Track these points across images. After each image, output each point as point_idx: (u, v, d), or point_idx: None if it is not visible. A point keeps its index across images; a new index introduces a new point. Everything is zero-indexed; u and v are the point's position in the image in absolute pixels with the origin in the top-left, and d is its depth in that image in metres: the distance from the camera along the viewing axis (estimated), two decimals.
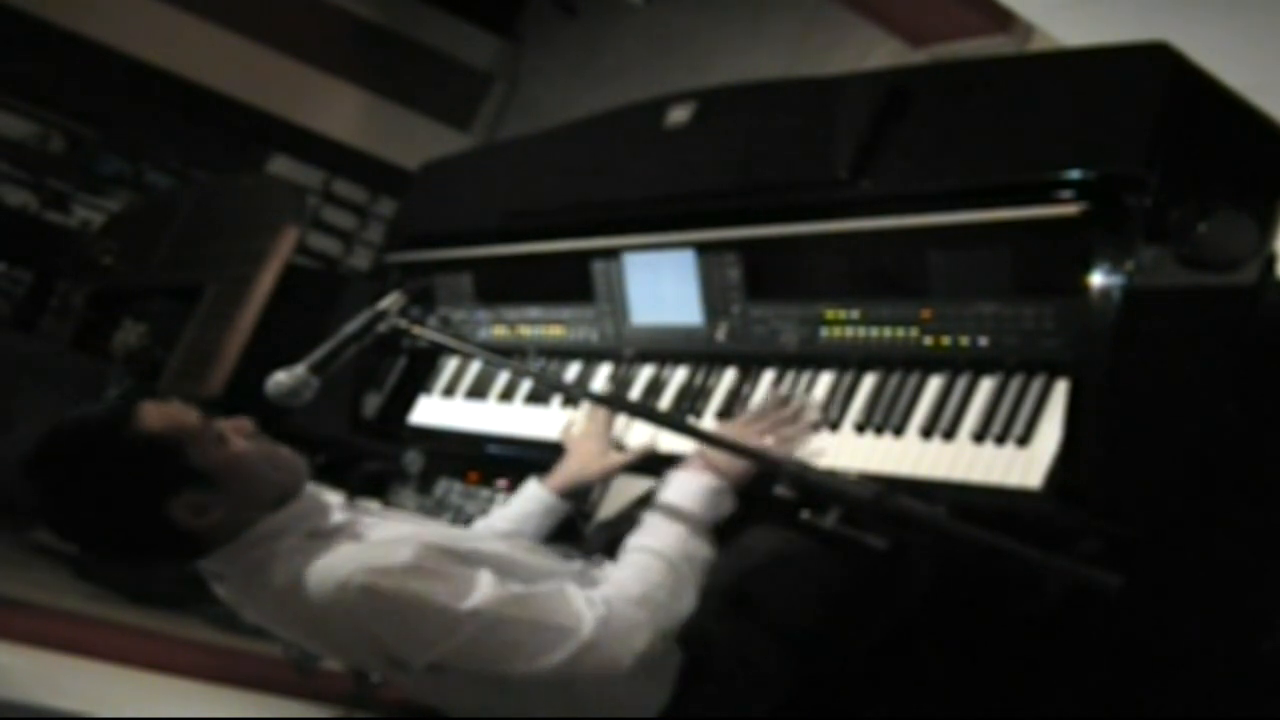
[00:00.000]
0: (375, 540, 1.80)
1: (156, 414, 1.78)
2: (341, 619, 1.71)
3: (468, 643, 1.70)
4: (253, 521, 1.81)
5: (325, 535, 1.80)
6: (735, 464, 1.91)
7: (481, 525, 2.25)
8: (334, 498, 1.98)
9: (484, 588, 1.72)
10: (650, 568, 1.82)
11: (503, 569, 1.79)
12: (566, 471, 2.23)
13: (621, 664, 1.73)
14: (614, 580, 1.82)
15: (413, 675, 1.78)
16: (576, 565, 1.98)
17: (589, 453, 2.23)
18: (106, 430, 1.77)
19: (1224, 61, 1.80)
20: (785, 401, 2.06)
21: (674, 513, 1.88)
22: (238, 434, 1.84)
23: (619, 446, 2.24)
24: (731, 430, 2.02)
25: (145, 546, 1.84)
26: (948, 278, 1.91)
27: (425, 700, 1.97)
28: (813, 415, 2.04)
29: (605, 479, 2.29)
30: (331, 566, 1.72)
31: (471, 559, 1.79)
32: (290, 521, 1.82)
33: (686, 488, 1.91)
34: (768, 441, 1.98)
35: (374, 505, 2.92)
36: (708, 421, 2.19)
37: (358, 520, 1.88)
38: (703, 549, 1.86)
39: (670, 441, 2.18)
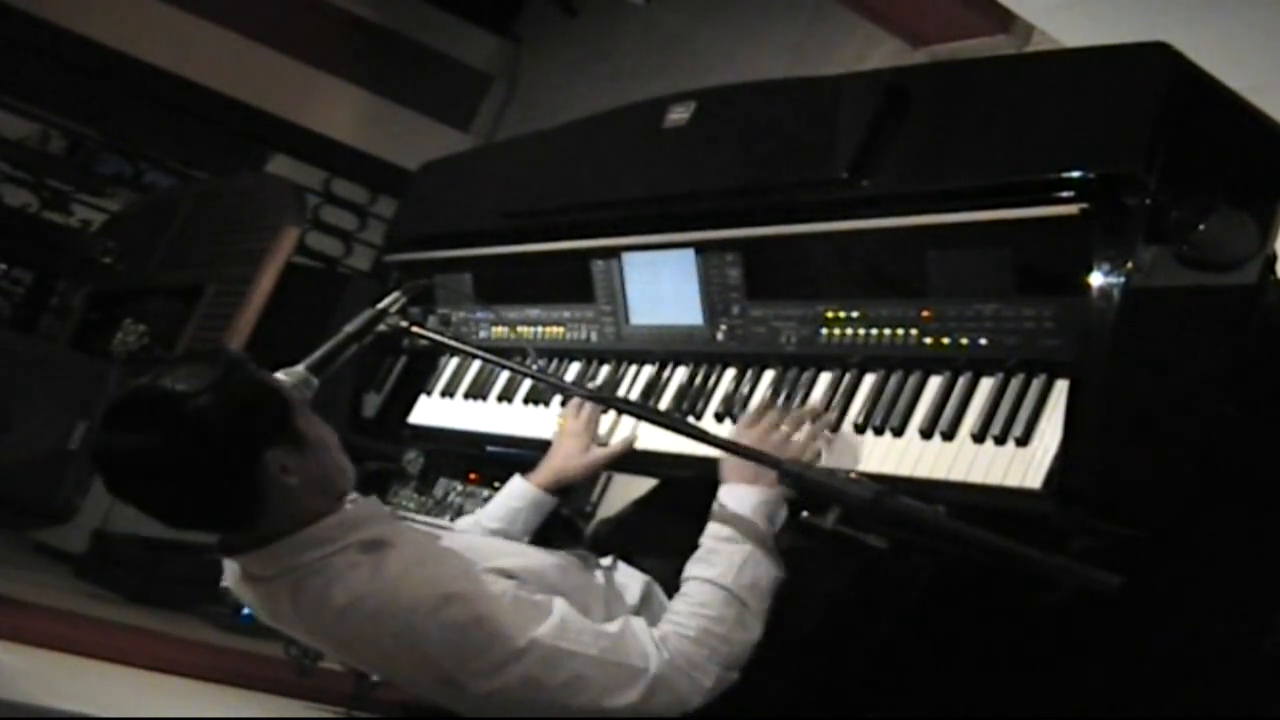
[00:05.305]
0: (434, 557, 1.76)
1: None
2: (402, 641, 1.68)
3: (531, 672, 1.67)
4: (309, 516, 1.74)
5: (379, 548, 1.74)
6: (758, 470, 1.86)
7: (469, 522, 2.24)
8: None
9: (555, 616, 1.70)
10: (708, 602, 1.78)
11: (549, 588, 1.77)
12: (550, 467, 2.23)
13: (691, 703, 1.71)
14: (671, 616, 1.80)
15: (470, 700, 1.72)
16: (600, 580, 1.95)
17: (572, 449, 2.23)
18: (235, 363, 1.74)
19: (1224, 61, 1.80)
20: (776, 406, 2.02)
21: (730, 537, 1.84)
22: None
23: (604, 443, 2.24)
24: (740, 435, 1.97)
25: (228, 492, 1.71)
26: (948, 278, 1.91)
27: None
28: (818, 422, 1.99)
29: (589, 474, 2.28)
30: (395, 588, 1.69)
31: (521, 575, 1.76)
32: (341, 530, 1.75)
33: (738, 507, 1.86)
34: (772, 444, 1.94)
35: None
36: (707, 422, 2.19)
37: (401, 529, 1.83)
38: (765, 572, 1.82)
39: (652, 438, 2.18)
